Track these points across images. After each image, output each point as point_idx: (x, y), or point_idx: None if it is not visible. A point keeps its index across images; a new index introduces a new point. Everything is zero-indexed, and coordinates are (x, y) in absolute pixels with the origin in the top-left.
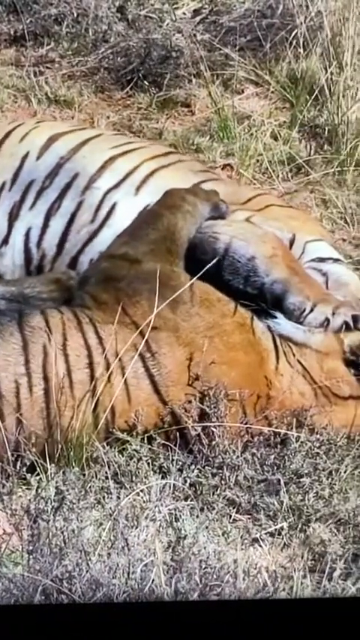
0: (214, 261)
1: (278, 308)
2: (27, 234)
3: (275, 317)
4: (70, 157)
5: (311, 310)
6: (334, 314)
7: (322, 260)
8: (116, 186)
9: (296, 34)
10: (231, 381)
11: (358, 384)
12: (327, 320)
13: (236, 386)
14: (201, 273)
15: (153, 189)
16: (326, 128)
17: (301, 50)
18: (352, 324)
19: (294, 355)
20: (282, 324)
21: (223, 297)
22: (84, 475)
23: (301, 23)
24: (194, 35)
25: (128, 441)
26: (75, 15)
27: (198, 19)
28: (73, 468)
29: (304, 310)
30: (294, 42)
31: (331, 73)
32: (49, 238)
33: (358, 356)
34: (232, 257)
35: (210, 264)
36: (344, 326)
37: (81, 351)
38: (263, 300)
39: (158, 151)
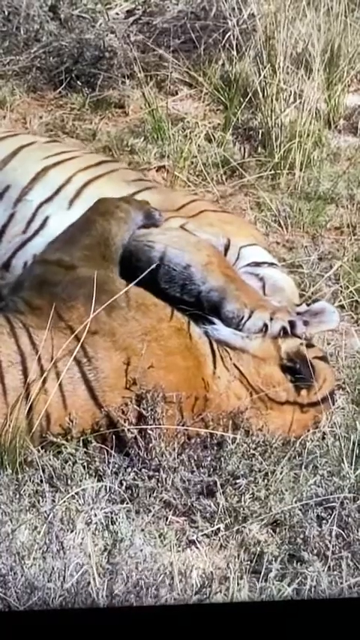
0: (149, 269)
1: (216, 315)
2: None
3: (213, 323)
4: (2, 169)
5: (249, 317)
6: (271, 319)
7: (257, 264)
8: (49, 199)
9: (229, 36)
10: (169, 384)
11: (294, 391)
12: (265, 326)
13: (174, 389)
14: (137, 280)
15: (86, 202)
16: (260, 131)
17: (235, 53)
18: (289, 329)
19: (231, 359)
20: (219, 329)
21: (159, 302)
22: (18, 479)
23: (234, 26)
24: (128, 36)
25: (64, 445)
26: (6, 13)
27: (131, 19)
28: (6, 470)
29: (242, 317)
30: (227, 44)
31: (265, 76)
32: None
33: (294, 362)
34: (167, 265)
35: (145, 273)
36: (282, 331)
37: (14, 357)
38: (200, 308)
39: (92, 161)
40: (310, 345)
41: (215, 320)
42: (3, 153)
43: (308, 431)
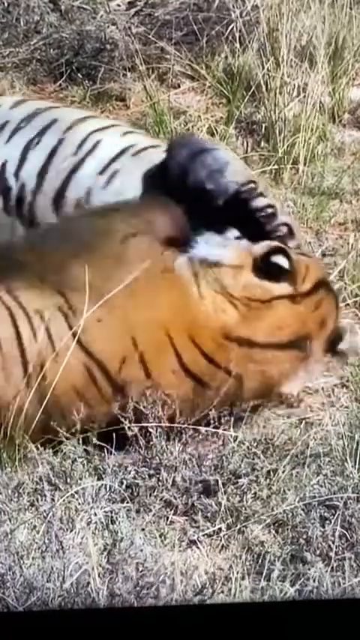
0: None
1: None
2: (3, 166)
3: (195, 243)
4: (48, 109)
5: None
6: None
7: None
8: (101, 129)
9: (232, 28)
10: (158, 321)
11: (276, 285)
12: (273, 207)
13: (163, 324)
14: None
15: (139, 138)
16: (263, 125)
17: (238, 45)
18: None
19: (212, 274)
20: (197, 247)
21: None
22: (17, 477)
23: (237, 18)
24: (129, 28)
25: (63, 442)
26: (6, 5)
27: (133, 11)
28: (5, 468)
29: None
30: (230, 37)
31: (268, 69)
32: (28, 168)
33: (265, 260)
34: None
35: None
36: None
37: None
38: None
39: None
40: (283, 243)
41: (197, 239)
42: (46, 104)
43: (320, 328)
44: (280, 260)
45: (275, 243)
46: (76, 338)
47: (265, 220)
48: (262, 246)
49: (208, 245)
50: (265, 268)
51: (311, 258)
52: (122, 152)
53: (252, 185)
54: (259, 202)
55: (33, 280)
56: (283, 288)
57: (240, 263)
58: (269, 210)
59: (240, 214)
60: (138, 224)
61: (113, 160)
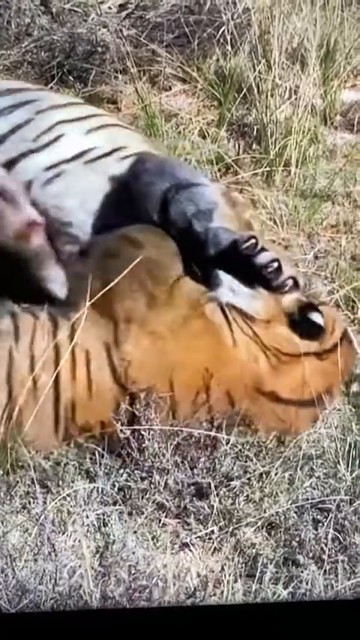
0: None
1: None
2: None
3: (219, 286)
4: (39, 90)
5: (262, 250)
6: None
7: None
8: (70, 121)
9: (224, 31)
10: (194, 366)
11: (307, 342)
12: (277, 261)
13: (200, 370)
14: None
15: (104, 138)
16: (255, 127)
17: (229, 47)
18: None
19: (243, 321)
20: (226, 292)
21: (196, 288)
22: (8, 480)
23: (229, 20)
24: (120, 30)
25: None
26: None
27: (124, 14)
28: None
29: (257, 245)
30: (221, 39)
31: (260, 72)
32: None
33: (298, 315)
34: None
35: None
36: (292, 283)
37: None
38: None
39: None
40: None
41: (219, 282)
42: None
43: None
44: (318, 318)
45: (306, 300)
46: (113, 367)
47: (272, 276)
48: (293, 301)
49: (238, 292)
50: (301, 324)
51: (330, 309)
52: (77, 156)
53: (253, 241)
54: (263, 259)
55: (93, 314)
56: (312, 345)
57: (271, 317)
58: (275, 265)
59: (234, 263)
60: (178, 263)
61: (65, 161)
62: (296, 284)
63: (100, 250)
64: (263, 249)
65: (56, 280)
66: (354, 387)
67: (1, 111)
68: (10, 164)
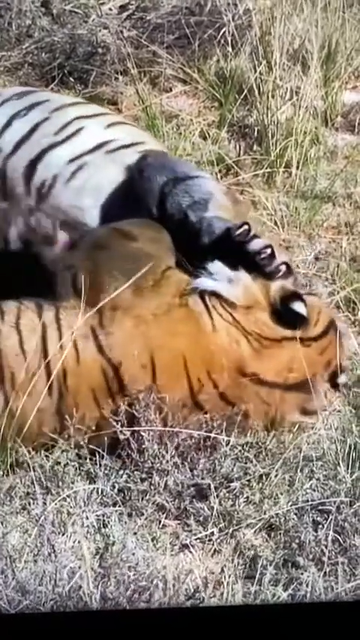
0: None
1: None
2: None
3: (198, 276)
4: (44, 92)
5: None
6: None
7: None
8: (88, 116)
9: (225, 32)
10: (174, 351)
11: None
12: (270, 247)
13: (179, 355)
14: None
15: (122, 132)
16: (255, 128)
17: (230, 49)
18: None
19: (222, 307)
20: (207, 281)
21: (183, 278)
22: (8, 480)
23: (230, 21)
24: (121, 31)
25: (54, 446)
26: None
27: (125, 15)
28: None
29: (250, 231)
30: (222, 40)
31: (260, 73)
32: (8, 135)
33: (281, 304)
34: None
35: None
36: (285, 269)
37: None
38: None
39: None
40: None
41: (201, 272)
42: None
43: (325, 368)
44: (300, 308)
45: (291, 288)
46: (99, 344)
47: (265, 262)
48: (277, 290)
49: (219, 279)
50: (282, 313)
51: (319, 300)
52: (98, 146)
53: (246, 227)
54: (256, 245)
55: (78, 302)
56: (294, 331)
57: (253, 303)
58: (268, 251)
59: (229, 251)
60: (171, 255)
61: (87, 152)
62: (289, 269)
63: (89, 242)
64: (256, 236)
65: None
66: (341, 378)
67: (16, 114)
68: (35, 161)
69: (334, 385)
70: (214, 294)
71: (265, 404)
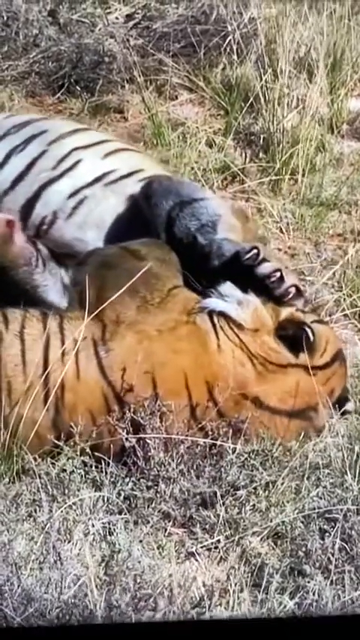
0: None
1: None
2: None
3: (209, 296)
4: (42, 120)
5: (264, 260)
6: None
7: None
8: (85, 147)
9: (230, 40)
10: (177, 367)
11: (293, 355)
12: (279, 271)
13: (182, 372)
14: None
15: (120, 161)
16: (261, 136)
17: (236, 57)
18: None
19: (230, 328)
20: (217, 301)
21: (190, 296)
22: (15, 488)
23: (235, 30)
24: (127, 40)
25: (60, 453)
26: (5, 18)
27: (131, 24)
28: (3, 479)
29: (259, 255)
30: (228, 48)
31: (266, 81)
32: (5, 172)
33: (288, 329)
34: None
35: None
36: (294, 291)
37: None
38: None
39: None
40: (304, 312)
41: (212, 292)
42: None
43: (328, 398)
44: (307, 335)
45: (300, 317)
46: (99, 360)
47: (274, 286)
48: (288, 314)
49: (229, 300)
50: (289, 338)
51: (329, 328)
52: (97, 180)
53: (255, 251)
54: (265, 269)
55: (83, 313)
56: (300, 358)
57: (260, 327)
58: (277, 275)
59: (238, 273)
60: (178, 274)
61: (86, 186)
62: (299, 292)
63: (97, 260)
64: (265, 260)
65: (52, 289)
66: (349, 406)
67: (14, 149)
68: (33, 199)
69: (342, 413)
70: (223, 315)
71: (265, 428)
